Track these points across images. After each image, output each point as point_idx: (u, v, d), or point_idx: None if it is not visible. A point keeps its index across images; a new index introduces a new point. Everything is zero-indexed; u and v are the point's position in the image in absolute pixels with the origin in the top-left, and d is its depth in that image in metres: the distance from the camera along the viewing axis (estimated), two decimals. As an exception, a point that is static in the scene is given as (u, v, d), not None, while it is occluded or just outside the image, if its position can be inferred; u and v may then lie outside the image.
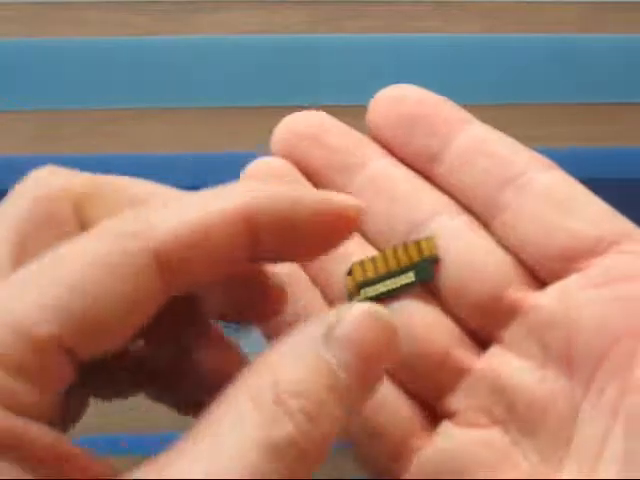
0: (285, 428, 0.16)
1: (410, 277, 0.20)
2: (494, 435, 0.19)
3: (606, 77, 0.38)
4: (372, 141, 0.23)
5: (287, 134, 0.22)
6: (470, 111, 0.37)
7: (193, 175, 0.36)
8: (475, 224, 0.21)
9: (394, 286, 0.21)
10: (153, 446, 0.33)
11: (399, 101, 0.22)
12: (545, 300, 0.19)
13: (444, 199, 0.21)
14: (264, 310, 0.20)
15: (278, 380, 0.16)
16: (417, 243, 0.21)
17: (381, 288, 0.21)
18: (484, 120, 0.37)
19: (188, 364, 0.20)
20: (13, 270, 0.17)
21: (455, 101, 0.37)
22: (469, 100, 0.37)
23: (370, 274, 0.21)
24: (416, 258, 0.20)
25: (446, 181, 0.22)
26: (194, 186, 0.38)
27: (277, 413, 0.16)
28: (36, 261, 0.16)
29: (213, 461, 0.15)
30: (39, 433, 0.15)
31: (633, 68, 0.38)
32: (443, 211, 0.21)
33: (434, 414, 0.20)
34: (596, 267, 0.19)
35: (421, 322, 0.20)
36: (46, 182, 0.19)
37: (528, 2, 0.37)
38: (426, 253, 0.20)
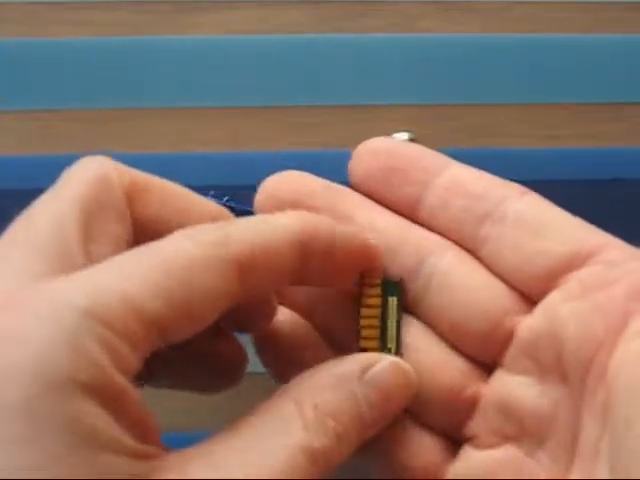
0: (322, 439, 0.19)
1: (393, 307, 0.23)
2: (509, 451, 0.21)
3: (608, 77, 0.38)
4: (354, 192, 0.24)
5: (269, 200, 0.24)
6: (470, 111, 0.37)
7: (193, 175, 0.36)
8: (464, 255, 0.22)
9: (394, 326, 0.23)
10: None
11: (376, 155, 0.24)
12: (532, 320, 0.21)
13: (432, 238, 0.23)
14: (258, 323, 0.23)
15: (319, 403, 0.19)
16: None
17: (390, 336, 0.23)
18: (485, 120, 0.37)
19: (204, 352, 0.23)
20: (83, 249, 0.18)
21: (455, 101, 0.37)
22: (469, 100, 0.37)
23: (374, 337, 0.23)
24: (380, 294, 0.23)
25: (429, 224, 0.23)
26: (194, 186, 0.38)
27: (318, 426, 0.19)
28: (138, 251, 0.18)
29: (262, 455, 0.18)
30: (136, 396, 0.17)
31: (633, 68, 0.38)
32: (432, 251, 0.22)
33: (453, 443, 0.22)
34: (573, 281, 0.20)
35: (430, 361, 0.22)
36: (102, 167, 0.21)
37: (528, 2, 0.37)
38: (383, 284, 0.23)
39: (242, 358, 0.24)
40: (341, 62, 0.36)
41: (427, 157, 0.24)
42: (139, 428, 0.17)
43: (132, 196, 0.21)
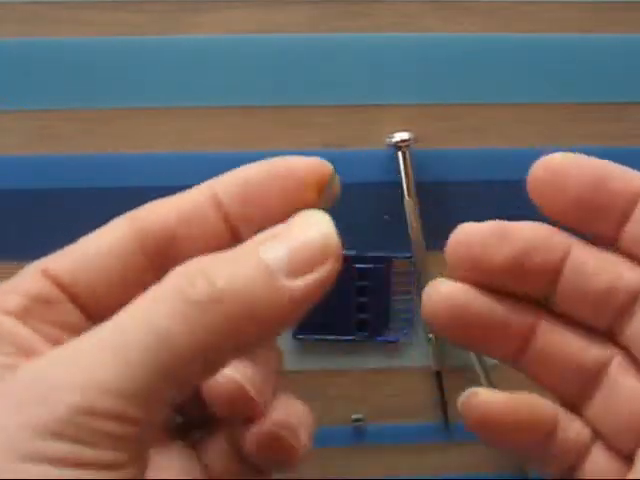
0: (202, 288, 0.17)
1: None
2: None
3: (608, 77, 0.37)
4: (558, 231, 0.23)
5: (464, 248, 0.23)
6: (470, 111, 0.37)
7: (193, 175, 0.36)
8: None
9: None
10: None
11: (561, 184, 0.22)
12: None
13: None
14: None
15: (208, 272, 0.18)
16: None
17: None
18: (485, 120, 0.37)
19: None
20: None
21: (455, 101, 0.37)
22: (469, 100, 0.37)
23: None
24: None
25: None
26: (193, 185, 0.38)
27: (195, 278, 0.17)
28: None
29: (120, 329, 0.17)
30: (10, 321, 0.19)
31: (634, 68, 0.38)
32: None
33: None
34: None
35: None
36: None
37: (528, 2, 0.37)
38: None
39: None
40: (341, 62, 0.36)
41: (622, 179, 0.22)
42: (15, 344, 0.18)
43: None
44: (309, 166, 0.22)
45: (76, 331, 0.18)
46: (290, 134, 0.36)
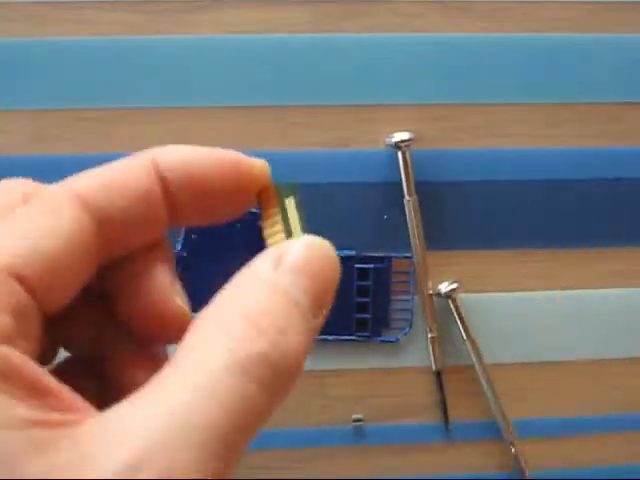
0: (256, 345, 0.17)
1: (291, 207, 0.22)
2: None
3: (607, 77, 0.37)
4: None
5: None
6: (470, 111, 0.37)
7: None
8: None
9: (297, 225, 0.22)
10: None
11: None
12: None
13: None
14: (164, 333, 0.21)
15: (243, 306, 0.17)
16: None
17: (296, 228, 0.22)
18: (484, 120, 0.37)
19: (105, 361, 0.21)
20: None
21: (455, 101, 0.37)
22: (469, 100, 0.37)
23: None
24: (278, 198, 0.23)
25: None
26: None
27: (249, 333, 0.17)
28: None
29: (180, 392, 0.16)
30: (22, 361, 0.16)
31: (634, 68, 0.38)
32: None
33: None
34: None
35: None
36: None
37: (528, 2, 0.37)
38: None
39: None
40: (341, 62, 0.36)
41: None
42: (38, 398, 0.16)
43: None
44: (260, 167, 0.22)
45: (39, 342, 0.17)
46: (290, 134, 0.36)
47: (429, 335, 0.37)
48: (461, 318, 0.37)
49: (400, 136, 0.35)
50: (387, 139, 0.36)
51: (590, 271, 0.38)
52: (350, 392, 0.37)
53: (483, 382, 0.37)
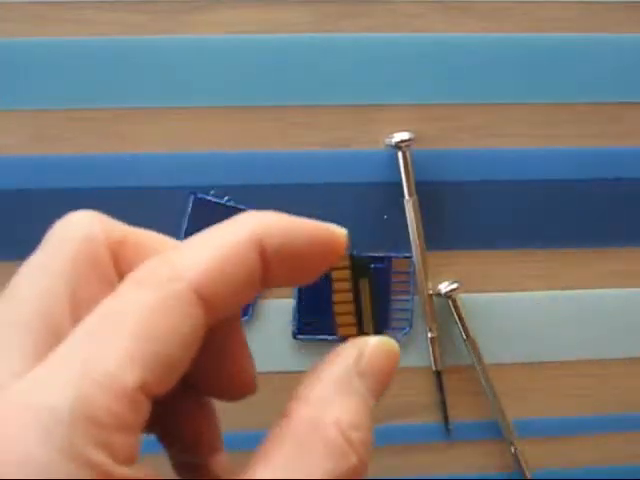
0: (350, 460, 0.19)
1: (365, 289, 0.23)
2: None
3: (607, 77, 0.37)
4: None
5: None
6: (470, 111, 0.37)
7: (193, 174, 0.36)
8: None
9: (369, 308, 0.23)
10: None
11: None
12: None
13: None
14: (234, 392, 0.23)
15: (338, 416, 0.19)
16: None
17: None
18: (484, 120, 0.37)
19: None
20: (71, 321, 0.18)
21: (455, 101, 0.37)
22: (469, 100, 0.37)
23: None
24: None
25: None
26: (193, 185, 0.38)
27: (344, 447, 0.19)
28: (96, 316, 0.17)
29: None
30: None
31: (634, 68, 0.38)
32: None
33: None
34: None
35: None
36: (89, 226, 0.20)
37: (528, 2, 0.37)
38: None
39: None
40: (341, 62, 0.36)
41: None
42: None
43: (118, 251, 0.20)
44: (343, 237, 0.22)
45: None
46: (290, 134, 0.36)
47: (429, 335, 0.37)
48: (461, 318, 0.37)
49: (400, 136, 0.35)
50: (387, 139, 0.36)
51: (590, 271, 0.38)
52: (350, 392, 0.37)
53: (483, 382, 0.37)
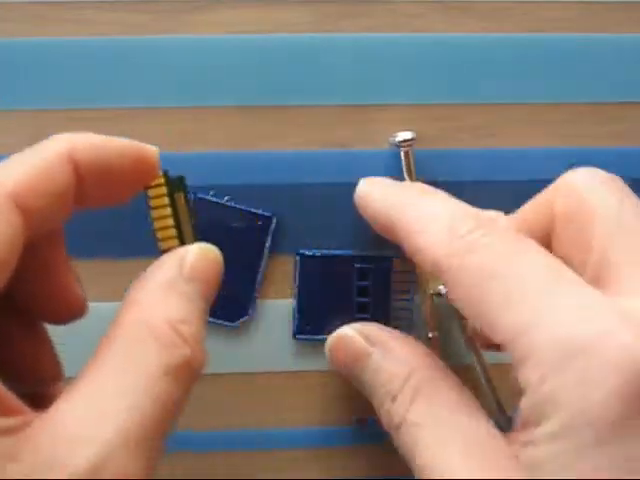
0: (184, 352, 0.20)
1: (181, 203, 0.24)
2: None
3: (607, 77, 0.37)
4: None
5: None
6: (470, 111, 0.37)
7: (193, 174, 0.36)
8: None
9: (187, 221, 0.24)
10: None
11: None
12: None
13: None
14: (62, 312, 0.23)
15: (167, 313, 0.20)
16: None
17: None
18: (484, 120, 0.37)
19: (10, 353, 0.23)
20: None
21: (455, 101, 0.37)
22: (469, 100, 0.37)
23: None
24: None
25: None
26: (193, 186, 0.38)
27: (176, 340, 0.20)
28: None
29: (126, 393, 0.18)
30: None
31: (634, 68, 0.38)
32: None
33: None
34: None
35: None
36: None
37: (528, 2, 0.37)
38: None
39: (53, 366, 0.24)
40: (341, 62, 0.36)
41: None
42: None
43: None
44: (153, 153, 0.24)
45: None
46: (290, 134, 0.36)
47: (429, 335, 0.37)
48: (461, 318, 0.37)
49: (403, 135, 0.35)
50: (390, 139, 0.36)
51: (590, 271, 0.38)
52: (350, 392, 0.37)
53: (483, 382, 0.37)
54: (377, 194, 0.29)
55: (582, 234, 0.23)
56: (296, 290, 0.36)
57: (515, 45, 0.37)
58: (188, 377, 0.20)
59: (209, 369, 0.35)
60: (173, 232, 0.24)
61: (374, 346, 0.28)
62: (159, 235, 0.24)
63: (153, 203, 0.24)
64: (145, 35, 0.36)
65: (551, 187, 0.27)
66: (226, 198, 0.36)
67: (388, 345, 0.27)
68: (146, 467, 0.18)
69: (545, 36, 0.37)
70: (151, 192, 0.24)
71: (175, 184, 0.25)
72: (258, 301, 0.36)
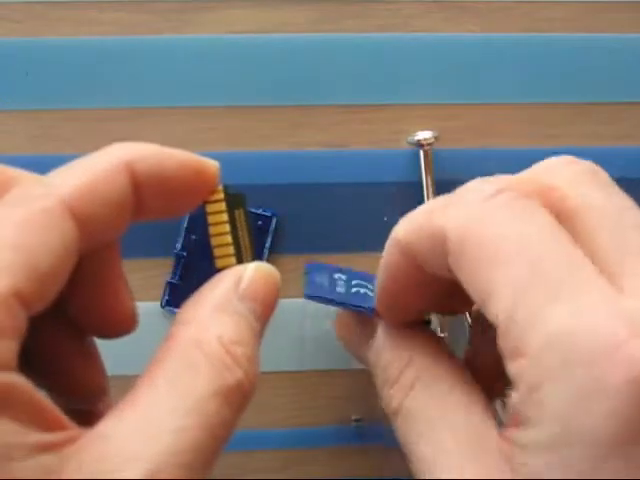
0: (236, 374, 0.19)
1: (241, 219, 0.24)
2: None
3: (607, 77, 0.37)
4: None
5: None
6: (470, 111, 0.37)
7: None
8: None
9: (246, 237, 0.24)
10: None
11: None
12: None
13: None
14: (113, 327, 0.23)
15: (219, 334, 0.19)
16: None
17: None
18: (483, 120, 0.37)
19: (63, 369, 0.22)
20: None
21: (455, 101, 0.37)
22: (469, 100, 0.37)
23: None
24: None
25: None
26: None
27: (228, 361, 0.19)
28: None
29: (176, 414, 0.18)
30: (26, 386, 0.17)
31: (634, 68, 0.38)
32: None
33: None
34: None
35: None
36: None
37: (528, 2, 0.37)
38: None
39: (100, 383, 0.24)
40: (341, 62, 0.36)
41: None
42: (40, 417, 0.17)
43: None
44: (214, 167, 0.23)
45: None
46: (290, 134, 0.36)
47: (440, 335, 0.37)
48: (465, 317, 0.37)
49: (423, 135, 0.35)
50: (409, 138, 0.36)
51: (590, 271, 0.38)
52: (350, 392, 0.37)
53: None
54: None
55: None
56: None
57: (515, 45, 0.37)
58: (239, 400, 0.19)
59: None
60: (231, 250, 0.23)
61: (379, 326, 0.26)
62: (216, 252, 0.23)
63: (211, 219, 0.23)
64: (145, 35, 0.36)
65: (527, 178, 0.24)
66: (226, 198, 0.36)
67: (391, 328, 0.26)
68: None
69: (545, 36, 0.37)
70: (210, 208, 0.23)
71: (235, 200, 0.24)
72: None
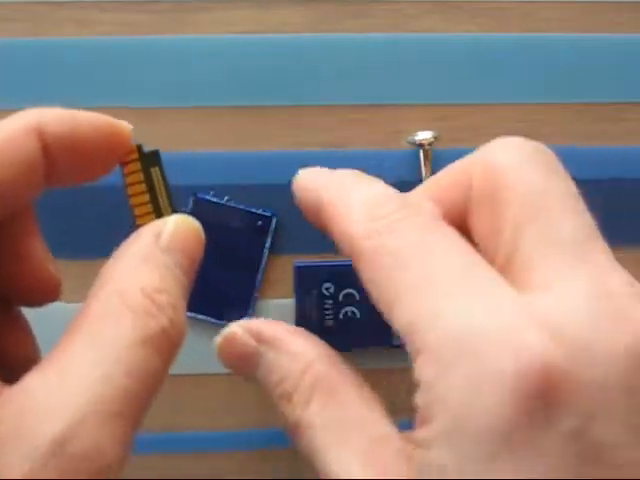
0: (161, 321, 0.19)
1: (157, 177, 0.24)
2: None
3: (608, 77, 0.37)
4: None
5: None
6: (469, 110, 0.37)
7: (193, 174, 0.36)
8: None
9: (164, 195, 0.23)
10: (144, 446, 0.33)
11: None
12: None
13: None
14: (37, 293, 0.23)
15: (142, 284, 0.19)
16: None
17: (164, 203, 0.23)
18: (484, 119, 0.37)
19: None
20: None
21: (455, 101, 0.37)
22: (469, 100, 0.37)
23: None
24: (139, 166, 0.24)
25: None
26: (193, 186, 0.38)
27: (151, 309, 0.19)
28: None
29: (99, 363, 0.17)
30: None
31: (634, 68, 0.38)
32: None
33: None
34: None
35: None
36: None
37: (528, 2, 0.37)
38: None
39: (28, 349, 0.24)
40: (341, 62, 0.36)
41: None
42: None
43: None
44: (126, 128, 0.23)
45: None
46: (290, 134, 0.36)
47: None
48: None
49: (423, 135, 0.35)
50: (409, 138, 0.36)
51: (590, 271, 0.38)
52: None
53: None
54: (310, 180, 0.26)
55: (495, 218, 0.21)
56: (295, 291, 0.36)
57: (515, 45, 0.37)
58: (166, 347, 0.19)
59: (210, 369, 0.35)
60: (150, 208, 0.23)
61: (265, 344, 0.24)
62: (136, 212, 0.23)
63: (128, 180, 0.23)
64: (145, 35, 0.36)
65: (467, 161, 0.23)
66: (226, 198, 0.36)
67: (282, 341, 0.24)
68: (121, 441, 0.17)
69: (544, 36, 0.37)
70: (126, 169, 0.23)
71: (150, 158, 0.24)
72: (258, 301, 0.36)
